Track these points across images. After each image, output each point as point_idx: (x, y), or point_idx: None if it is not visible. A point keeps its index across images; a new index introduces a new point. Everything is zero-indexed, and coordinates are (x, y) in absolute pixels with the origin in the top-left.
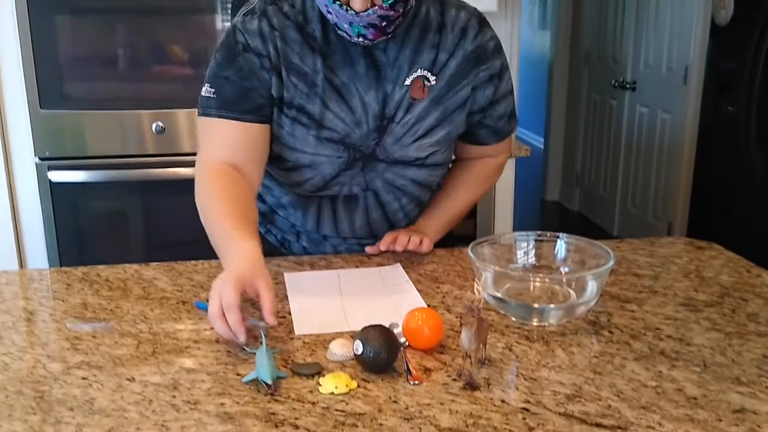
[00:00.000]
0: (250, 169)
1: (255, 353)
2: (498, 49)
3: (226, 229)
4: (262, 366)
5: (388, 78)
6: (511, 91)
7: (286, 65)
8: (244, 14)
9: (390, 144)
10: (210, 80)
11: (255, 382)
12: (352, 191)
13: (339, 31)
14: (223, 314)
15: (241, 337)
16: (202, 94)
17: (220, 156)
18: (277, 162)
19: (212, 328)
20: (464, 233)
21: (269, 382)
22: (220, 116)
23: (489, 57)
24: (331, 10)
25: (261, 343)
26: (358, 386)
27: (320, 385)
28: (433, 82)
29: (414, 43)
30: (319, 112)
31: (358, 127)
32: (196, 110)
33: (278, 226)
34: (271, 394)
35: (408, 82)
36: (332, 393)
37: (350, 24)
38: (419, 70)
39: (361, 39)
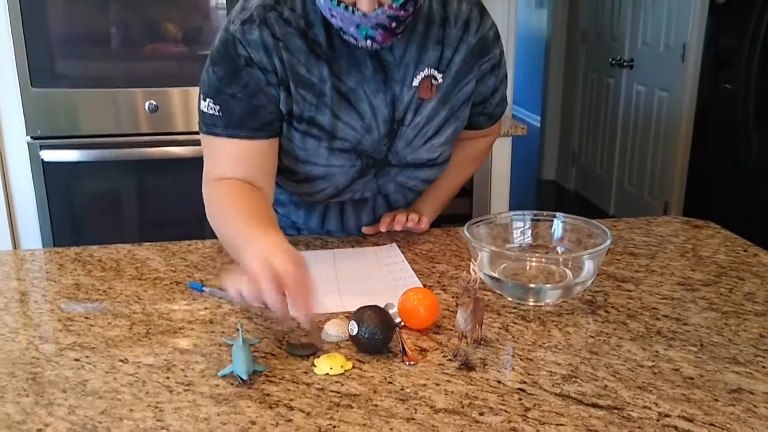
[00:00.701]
0: (262, 183)
1: (232, 345)
2: (497, 36)
3: (252, 222)
4: (238, 360)
5: (396, 79)
6: (506, 75)
7: (294, 78)
8: (242, 22)
9: (402, 148)
10: (212, 95)
11: (232, 375)
12: (363, 195)
13: (345, 36)
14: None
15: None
16: (204, 110)
17: (230, 175)
18: (287, 174)
19: (206, 308)
20: (460, 212)
21: (244, 377)
22: (229, 136)
23: (491, 47)
24: (335, 13)
25: (238, 335)
26: (353, 367)
27: (315, 366)
28: (440, 81)
29: (419, 39)
30: (330, 122)
31: (369, 133)
32: (189, 89)
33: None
34: (248, 388)
35: (416, 82)
36: (327, 374)
37: (357, 26)
38: (426, 68)
39: (369, 42)
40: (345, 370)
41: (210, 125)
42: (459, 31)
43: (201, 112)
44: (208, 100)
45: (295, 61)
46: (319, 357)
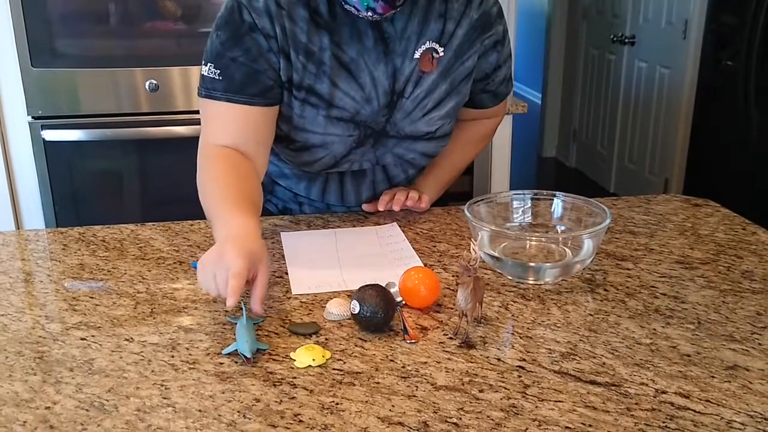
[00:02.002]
0: (255, 151)
1: (236, 323)
2: (500, 13)
3: (225, 203)
4: (241, 338)
5: (397, 51)
6: (511, 53)
7: (294, 46)
8: None
9: (400, 119)
10: (213, 60)
11: (236, 353)
12: (361, 166)
13: (346, 6)
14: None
15: (231, 301)
16: (204, 73)
17: (225, 140)
18: (286, 142)
19: None
20: (461, 190)
21: (248, 355)
22: (227, 100)
23: (493, 23)
24: None
25: (242, 314)
26: (356, 345)
27: (294, 360)
28: (442, 54)
29: (421, 12)
30: (328, 91)
31: (369, 104)
32: (189, 67)
33: (279, 196)
34: (252, 366)
35: (417, 55)
36: (310, 366)
37: None
38: (428, 42)
39: (369, 13)
40: (326, 360)
41: (209, 89)
42: (462, 5)
43: (202, 77)
44: (209, 64)
45: (297, 29)
46: (295, 350)
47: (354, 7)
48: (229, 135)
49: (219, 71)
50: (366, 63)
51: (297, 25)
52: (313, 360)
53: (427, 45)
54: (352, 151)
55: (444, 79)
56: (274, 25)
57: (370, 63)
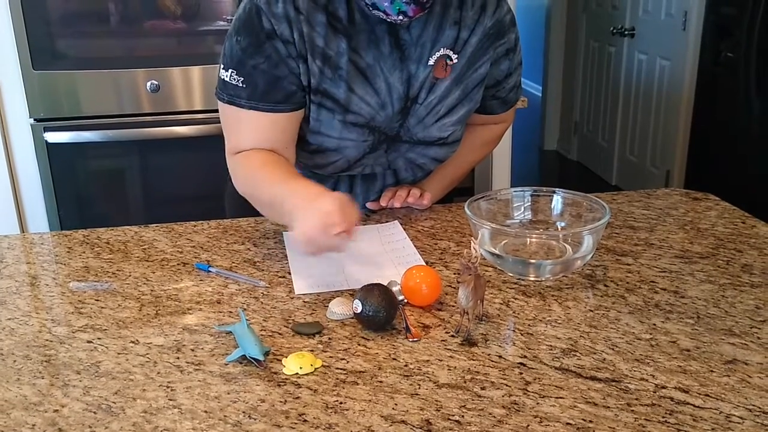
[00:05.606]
0: (283, 153)
1: (230, 330)
2: (513, 21)
3: (288, 178)
4: (248, 342)
5: (412, 58)
6: (521, 61)
7: (311, 50)
8: None
9: (413, 125)
10: (235, 67)
11: (241, 359)
12: (373, 170)
13: (375, 11)
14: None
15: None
16: (225, 79)
17: (253, 144)
18: (301, 144)
19: (213, 289)
20: (462, 185)
21: (261, 358)
22: (252, 108)
23: (506, 31)
24: None
25: (240, 319)
26: (358, 344)
27: (284, 366)
28: (455, 61)
29: (436, 20)
30: (345, 96)
31: (383, 110)
32: (190, 68)
33: None
34: (264, 368)
35: (431, 62)
36: (297, 374)
37: (391, 2)
38: (442, 48)
39: (400, 17)
40: (315, 369)
41: (233, 95)
42: (476, 13)
43: (223, 81)
44: (230, 71)
45: (315, 35)
46: (287, 357)
47: (384, 11)
48: (257, 140)
49: (242, 79)
50: (382, 69)
51: (315, 29)
52: (300, 368)
53: (441, 52)
54: (365, 155)
55: (457, 86)
56: (293, 30)
57: (385, 69)
